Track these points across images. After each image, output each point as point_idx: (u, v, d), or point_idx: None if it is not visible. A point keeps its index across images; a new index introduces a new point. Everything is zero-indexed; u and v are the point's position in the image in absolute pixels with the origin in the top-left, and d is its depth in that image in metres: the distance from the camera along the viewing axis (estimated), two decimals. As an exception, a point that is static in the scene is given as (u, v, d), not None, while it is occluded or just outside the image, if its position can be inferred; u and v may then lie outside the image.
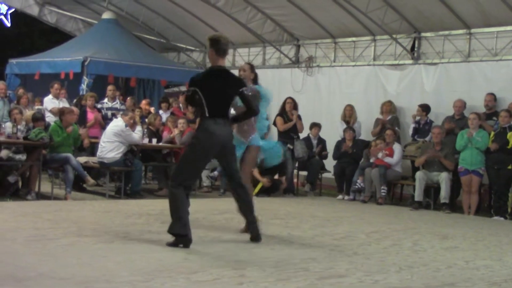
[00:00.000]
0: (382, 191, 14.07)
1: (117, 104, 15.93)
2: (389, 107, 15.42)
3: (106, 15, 19.77)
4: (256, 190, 14.60)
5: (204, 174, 15.51)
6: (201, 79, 8.56)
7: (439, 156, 13.41)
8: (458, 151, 13.37)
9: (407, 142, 15.01)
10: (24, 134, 12.79)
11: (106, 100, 15.95)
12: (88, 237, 8.29)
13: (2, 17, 22.94)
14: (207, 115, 8.26)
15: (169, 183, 8.37)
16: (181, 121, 14.93)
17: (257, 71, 18.01)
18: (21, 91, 16.32)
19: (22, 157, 12.69)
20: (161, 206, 8.93)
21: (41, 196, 12.58)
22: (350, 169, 14.82)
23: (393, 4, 15.41)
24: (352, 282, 6.63)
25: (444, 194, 13.37)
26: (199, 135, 8.31)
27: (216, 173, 15.50)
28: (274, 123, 15.90)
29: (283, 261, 7.44)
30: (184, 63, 21.02)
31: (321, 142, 15.79)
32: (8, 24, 23.20)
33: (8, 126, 12.99)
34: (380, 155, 14.17)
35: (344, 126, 15.48)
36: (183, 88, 20.24)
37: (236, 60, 19.98)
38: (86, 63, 16.50)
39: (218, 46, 8.50)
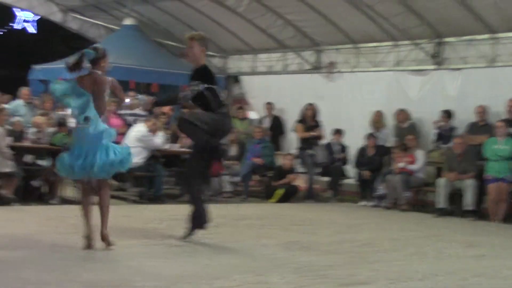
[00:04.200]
0: (405, 197, 14.02)
1: (138, 110, 15.97)
2: (404, 115, 15.35)
3: (127, 21, 19.83)
4: (276, 197, 14.65)
5: (226, 179, 15.55)
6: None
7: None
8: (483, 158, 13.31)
9: (430, 149, 14.93)
10: (48, 139, 12.90)
11: (128, 105, 16.00)
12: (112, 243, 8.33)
13: (29, 24, 23.20)
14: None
15: None
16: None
17: (278, 76, 18.19)
18: (47, 96, 16.44)
19: (46, 162, 12.80)
20: (183, 212, 8.91)
21: (64, 201, 12.66)
22: (372, 175, 14.79)
23: (415, 9, 15.29)
24: (376, 290, 6.60)
25: (468, 201, 13.24)
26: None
27: (238, 178, 15.52)
28: (294, 129, 15.92)
29: (303, 268, 7.42)
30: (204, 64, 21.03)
31: (343, 148, 15.74)
32: (34, 31, 23.44)
33: (32, 132, 13.10)
34: (401, 164, 14.13)
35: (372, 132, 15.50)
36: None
37: (256, 65, 19.99)
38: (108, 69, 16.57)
39: (207, 43, 8.94)
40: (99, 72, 8.11)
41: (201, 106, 8.65)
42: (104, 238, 7.91)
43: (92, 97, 7.92)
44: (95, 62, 8.16)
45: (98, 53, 8.27)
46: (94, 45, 8.47)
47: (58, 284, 6.09)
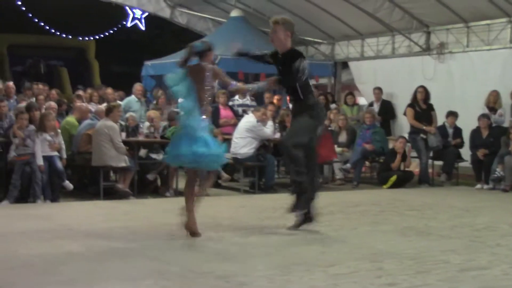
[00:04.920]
0: (524, 179, 13.69)
1: (247, 100, 16.08)
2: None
3: (234, 13, 20.02)
4: (390, 183, 14.53)
5: (337, 166, 15.50)
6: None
7: None
8: None
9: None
10: (161, 134, 13.13)
11: (237, 97, 16.13)
12: (225, 232, 8.45)
13: (137, 21, 23.67)
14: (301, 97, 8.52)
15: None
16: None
17: (387, 60, 17.99)
18: (159, 92, 16.76)
19: (159, 155, 13.02)
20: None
21: (179, 193, 12.82)
22: (488, 157, 14.44)
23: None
24: (496, 275, 6.48)
25: None
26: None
27: (348, 165, 15.44)
28: (405, 113, 15.71)
29: (421, 253, 7.38)
30: (312, 56, 21.01)
31: (458, 131, 15.43)
32: (143, 28, 23.91)
33: (145, 126, 13.36)
34: (520, 143, 13.80)
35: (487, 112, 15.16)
36: (312, 82, 20.25)
37: (364, 50, 19.85)
38: (216, 61, 16.68)
39: (292, 27, 8.73)
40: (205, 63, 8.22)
41: (293, 95, 8.76)
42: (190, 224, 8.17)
43: (195, 86, 8.02)
44: (202, 54, 8.28)
45: (204, 46, 8.36)
46: (201, 39, 8.59)
47: (179, 274, 6.18)
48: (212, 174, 8.43)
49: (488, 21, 16.66)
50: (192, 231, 8.06)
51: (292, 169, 8.49)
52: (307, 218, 8.61)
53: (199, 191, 8.33)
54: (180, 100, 8.47)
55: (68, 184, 11.76)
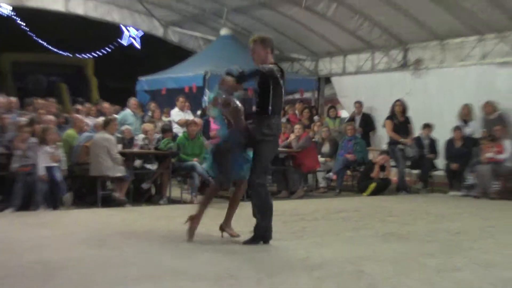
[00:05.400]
0: (495, 186, 13.79)
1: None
2: (492, 107, 15.04)
3: (223, 32, 20.07)
4: (369, 190, 14.57)
5: (320, 175, 15.55)
6: (276, 75, 7.99)
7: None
8: None
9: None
10: (155, 145, 13.14)
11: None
12: (214, 237, 8.42)
13: (133, 40, 23.71)
14: (270, 112, 7.97)
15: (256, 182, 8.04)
16: (297, 126, 15.00)
17: (367, 76, 18.05)
18: (153, 105, 16.74)
19: (153, 166, 13.04)
20: (283, 207, 8.93)
21: (171, 201, 12.87)
22: (461, 166, 14.54)
23: (500, 2, 14.90)
24: (469, 276, 6.51)
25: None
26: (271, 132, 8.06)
27: (331, 174, 15.50)
28: (384, 126, 15.79)
29: (400, 257, 7.40)
30: (297, 72, 21.10)
31: (433, 142, 15.52)
32: (138, 47, 23.94)
33: (140, 138, 13.37)
34: (490, 154, 13.89)
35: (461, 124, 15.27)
36: (297, 96, 20.32)
37: (346, 66, 19.91)
38: (207, 77, 16.71)
39: (270, 44, 8.24)
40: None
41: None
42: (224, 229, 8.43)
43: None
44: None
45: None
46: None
47: (172, 277, 6.19)
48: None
49: (461, 39, 16.76)
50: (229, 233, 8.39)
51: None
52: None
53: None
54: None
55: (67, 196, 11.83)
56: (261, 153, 8.02)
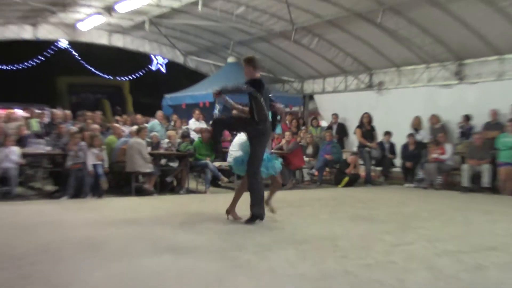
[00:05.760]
0: (438, 180, 13.84)
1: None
2: (436, 119, 15.13)
3: (230, 60, 20.05)
4: (343, 183, 14.57)
5: (305, 171, 15.56)
6: (251, 90, 7.92)
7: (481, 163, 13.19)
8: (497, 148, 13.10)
9: (456, 143, 14.66)
10: (176, 148, 13.17)
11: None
12: (222, 220, 8.41)
13: (160, 66, 23.74)
14: (257, 119, 7.95)
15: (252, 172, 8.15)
16: (287, 133, 15.02)
17: (341, 94, 18.01)
18: (175, 117, 16.75)
19: (175, 164, 13.07)
20: (275, 196, 8.91)
21: (189, 191, 12.88)
22: (413, 164, 14.58)
23: (442, 39, 15.06)
24: (418, 248, 6.55)
25: (486, 181, 13.04)
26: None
27: (314, 170, 15.52)
28: (354, 133, 15.82)
29: (366, 234, 7.42)
30: (287, 91, 21.10)
31: (392, 145, 15.54)
32: (164, 71, 23.98)
33: (165, 142, 13.39)
34: (435, 155, 13.92)
35: (413, 132, 15.31)
36: (287, 110, 20.32)
37: (325, 87, 19.92)
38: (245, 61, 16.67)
39: (256, 63, 8.11)
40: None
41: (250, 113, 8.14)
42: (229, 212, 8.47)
43: None
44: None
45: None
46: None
47: (189, 250, 6.21)
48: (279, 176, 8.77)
49: (413, 66, 16.82)
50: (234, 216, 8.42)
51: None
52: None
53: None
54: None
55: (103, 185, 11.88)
56: (253, 149, 8.11)
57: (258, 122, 7.97)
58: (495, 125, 13.82)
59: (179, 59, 22.50)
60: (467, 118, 14.68)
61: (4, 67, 25.51)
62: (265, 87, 8.03)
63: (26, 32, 19.32)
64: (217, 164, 13.38)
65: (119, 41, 21.24)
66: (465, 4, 13.26)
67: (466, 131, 14.60)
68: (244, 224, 7.99)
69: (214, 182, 13.53)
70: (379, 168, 15.78)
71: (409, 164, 14.69)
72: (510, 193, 12.66)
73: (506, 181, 12.83)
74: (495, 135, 13.31)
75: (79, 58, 25.20)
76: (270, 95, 8.26)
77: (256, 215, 8.05)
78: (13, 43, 20.37)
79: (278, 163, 8.51)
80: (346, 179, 14.73)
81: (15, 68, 25.55)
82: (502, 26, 13.49)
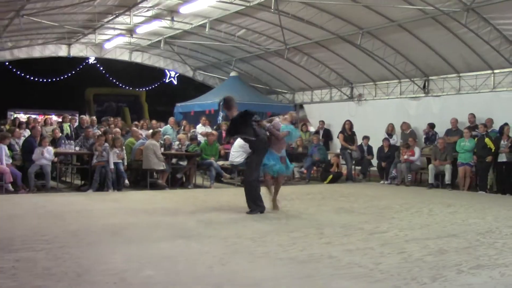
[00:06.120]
0: (408, 177, 13.81)
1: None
2: (407, 126, 15.13)
3: (232, 74, 20.06)
4: (328, 180, 14.55)
5: (296, 170, 15.51)
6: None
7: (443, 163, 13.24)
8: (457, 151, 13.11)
9: (423, 146, 14.64)
10: (185, 148, 13.14)
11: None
12: (225, 211, 8.44)
13: (172, 79, 23.75)
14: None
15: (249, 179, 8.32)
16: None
17: (327, 104, 18.00)
18: (184, 122, 16.74)
19: (184, 162, 13.05)
20: (281, 191, 8.89)
21: (196, 186, 12.87)
22: (387, 164, 14.55)
23: (411, 60, 15.16)
24: (391, 236, 6.55)
25: (447, 178, 13.05)
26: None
27: (303, 169, 15.49)
28: (338, 137, 15.80)
29: (347, 224, 7.42)
30: (280, 101, 21.09)
31: (370, 148, 15.53)
32: (175, 83, 23.98)
33: (176, 144, 13.37)
34: (406, 156, 13.90)
35: (387, 137, 15.27)
36: (281, 117, 20.27)
37: (313, 97, 19.91)
38: (221, 104, 16.71)
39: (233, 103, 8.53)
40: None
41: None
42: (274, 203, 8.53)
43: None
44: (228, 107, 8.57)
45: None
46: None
47: (198, 236, 6.18)
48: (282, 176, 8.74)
49: (387, 81, 16.86)
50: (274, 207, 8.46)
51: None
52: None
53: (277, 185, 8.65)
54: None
55: (127, 183, 11.85)
56: (252, 157, 8.31)
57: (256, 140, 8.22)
58: (455, 131, 13.83)
59: (189, 73, 22.46)
60: (432, 125, 14.68)
61: (42, 79, 25.59)
62: (244, 118, 8.29)
63: (61, 51, 19.72)
64: (220, 163, 13.37)
65: (138, 57, 21.24)
66: (430, 30, 13.37)
67: (431, 137, 14.58)
68: (246, 214, 8.02)
69: (218, 179, 13.53)
70: (358, 167, 15.74)
71: (384, 164, 14.65)
72: (467, 189, 12.67)
73: (464, 179, 12.84)
74: (455, 140, 13.30)
75: (104, 72, 25.20)
76: (253, 118, 8.35)
77: (256, 208, 8.15)
78: (51, 60, 20.78)
79: (282, 167, 8.51)
80: (331, 176, 14.72)
81: (51, 81, 25.60)
82: (460, 50, 13.63)
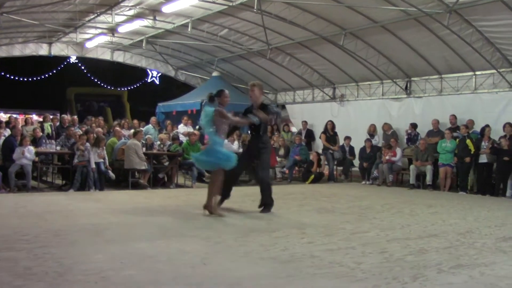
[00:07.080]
0: (390, 178, 13.88)
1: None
2: (388, 126, 15.25)
3: (214, 74, 20.04)
4: (310, 180, 14.61)
5: (278, 170, 15.56)
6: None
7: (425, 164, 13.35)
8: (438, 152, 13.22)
9: (404, 147, 14.76)
10: (167, 148, 13.09)
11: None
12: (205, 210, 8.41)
13: (154, 79, 23.65)
14: (261, 133, 8.38)
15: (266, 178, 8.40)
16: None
17: (309, 104, 18.09)
18: (168, 122, 16.68)
19: (166, 162, 12.99)
20: (252, 191, 8.91)
21: (178, 186, 12.83)
22: (369, 165, 14.63)
23: (394, 61, 15.25)
24: (372, 236, 6.58)
25: (428, 179, 13.15)
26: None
27: (285, 169, 15.53)
28: (320, 137, 15.87)
29: (329, 224, 7.43)
30: (263, 101, 21.07)
31: (351, 148, 15.61)
32: (158, 83, 23.89)
33: (157, 144, 13.32)
34: (387, 157, 13.99)
35: (369, 137, 15.36)
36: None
37: (295, 98, 19.97)
38: (203, 104, 16.66)
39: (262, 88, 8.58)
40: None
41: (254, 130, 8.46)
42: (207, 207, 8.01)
43: (216, 122, 7.87)
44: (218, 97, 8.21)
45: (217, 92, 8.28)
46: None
47: (179, 235, 6.17)
48: (221, 170, 7.90)
49: (369, 82, 16.96)
50: (209, 211, 7.87)
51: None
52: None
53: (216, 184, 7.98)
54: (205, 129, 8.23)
55: (112, 175, 11.77)
56: (262, 158, 8.32)
57: (261, 135, 8.42)
58: (436, 132, 13.95)
59: (171, 72, 22.37)
60: (414, 126, 14.82)
61: (23, 78, 25.30)
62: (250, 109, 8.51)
63: (42, 50, 19.49)
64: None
65: (120, 57, 21.09)
66: (412, 32, 13.47)
67: (413, 137, 14.70)
68: (232, 214, 8.00)
69: (200, 178, 13.50)
70: (340, 168, 15.81)
71: (366, 164, 14.71)
72: (448, 190, 12.80)
73: (445, 179, 12.97)
74: (436, 141, 13.41)
75: (86, 71, 24.99)
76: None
77: (268, 206, 8.34)
78: (31, 59, 20.57)
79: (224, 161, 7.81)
80: (312, 176, 14.78)
81: (32, 80, 25.33)
82: (442, 51, 13.75)
